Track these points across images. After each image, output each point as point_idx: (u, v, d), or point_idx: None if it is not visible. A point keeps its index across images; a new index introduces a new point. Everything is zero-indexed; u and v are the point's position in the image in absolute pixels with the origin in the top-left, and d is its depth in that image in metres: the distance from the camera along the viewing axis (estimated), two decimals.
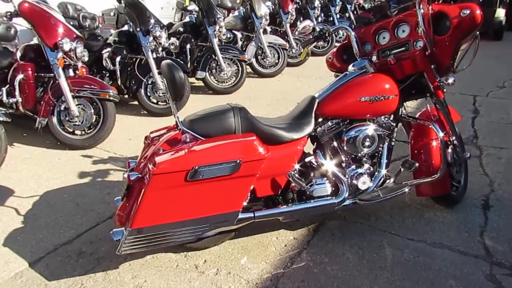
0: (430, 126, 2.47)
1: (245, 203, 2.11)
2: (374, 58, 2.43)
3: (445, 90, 2.41)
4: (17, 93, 3.75)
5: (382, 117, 2.39)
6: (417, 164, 2.39)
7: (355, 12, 9.01)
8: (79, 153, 3.79)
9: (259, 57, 6.59)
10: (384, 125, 2.40)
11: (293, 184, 2.25)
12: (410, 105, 3.93)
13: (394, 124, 2.44)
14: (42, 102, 3.79)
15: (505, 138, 3.85)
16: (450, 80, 2.35)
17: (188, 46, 5.57)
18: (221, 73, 5.67)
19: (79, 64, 3.91)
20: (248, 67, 6.32)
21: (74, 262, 2.29)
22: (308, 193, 2.26)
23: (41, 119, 3.78)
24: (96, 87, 3.80)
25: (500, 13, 9.54)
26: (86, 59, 3.92)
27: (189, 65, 5.56)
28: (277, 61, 6.65)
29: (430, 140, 2.48)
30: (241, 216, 2.11)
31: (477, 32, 2.24)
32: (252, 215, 2.15)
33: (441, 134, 2.42)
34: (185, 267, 2.22)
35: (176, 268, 2.22)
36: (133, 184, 2.03)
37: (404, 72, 2.36)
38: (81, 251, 2.37)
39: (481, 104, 4.91)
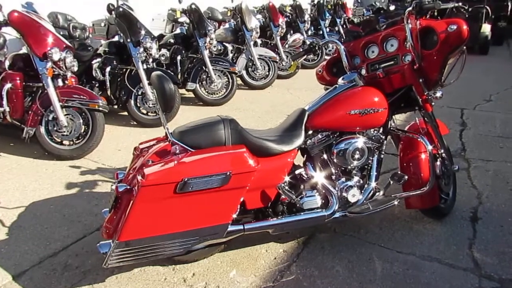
0: (418, 139, 2.49)
1: (234, 216, 2.09)
2: (363, 71, 2.46)
3: (433, 103, 2.44)
4: (4, 102, 3.72)
5: (372, 130, 2.41)
6: (406, 177, 2.40)
7: (344, 26, 9.13)
8: (67, 164, 3.74)
9: (249, 69, 6.63)
10: (373, 138, 2.41)
11: (283, 197, 2.24)
12: (399, 118, 3.96)
13: (384, 137, 2.46)
14: (30, 112, 3.76)
15: (492, 151, 3.90)
16: (438, 94, 2.39)
17: (178, 57, 5.59)
18: (212, 84, 5.68)
19: (69, 74, 3.89)
20: (238, 79, 6.35)
21: (59, 275, 2.24)
22: (298, 205, 2.25)
23: (28, 128, 3.73)
24: (85, 97, 3.77)
25: (486, 28, 9.73)
26: (76, 69, 3.90)
27: (179, 76, 5.57)
28: (267, 73, 6.69)
29: (419, 153, 2.50)
30: (230, 228, 2.09)
31: (464, 47, 2.28)
32: (241, 227, 2.13)
33: (429, 147, 2.44)
34: (173, 280, 2.19)
35: (164, 281, 2.18)
36: (121, 195, 2.00)
37: (393, 85, 2.39)
38: (67, 264, 2.33)
39: (468, 117, 4.98)
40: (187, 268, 2.28)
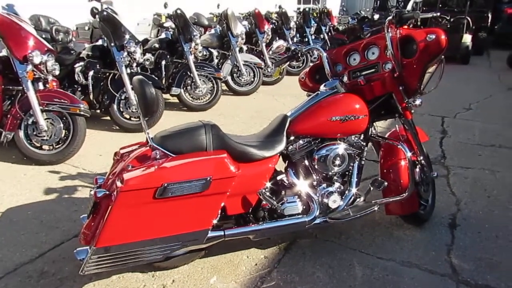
0: (398, 146, 2.53)
1: (215, 221, 2.08)
2: (345, 78, 2.48)
3: (413, 111, 2.48)
4: None
5: (353, 136, 2.43)
6: (386, 183, 2.43)
7: (329, 34, 9.25)
8: (46, 169, 3.68)
9: (234, 75, 6.64)
10: (354, 144, 2.43)
11: (264, 202, 2.23)
12: (381, 125, 4.02)
13: (364, 144, 2.49)
14: (8, 116, 3.68)
15: (472, 158, 3.97)
16: (418, 102, 2.42)
17: (163, 62, 5.56)
18: (196, 90, 5.67)
19: (50, 78, 3.83)
20: (223, 84, 6.35)
21: (35, 282, 2.19)
22: (279, 211, 2.25)
23: (6, 133, 3.66)
24: (66, 101, 3.72)
25: (467, 38, 9.96)
26: (57, 72, 3.84)
27: (164, 81, 5.54)
28: (252, 79, 6.71)
29: (399, 160, 2.53)
30: (211, 234, 2.07)
31: (443, 56, 2.33)
32: (222, 233, 2.12)
33: (409, 154, 2.47)
34: (152, 287, 2.16)
35: None
36: (100, 201, 1.97)
37: (374, 93, 2.42)
38: (43, 271, 2.28)
39: (449, 125, 5.07)
40: (167, 274, 2.25)
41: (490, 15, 11.37)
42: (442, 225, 2.76)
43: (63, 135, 3.82)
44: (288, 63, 2.67)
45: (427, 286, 2.18)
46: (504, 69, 9.27)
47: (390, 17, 2.27)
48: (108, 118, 4.88)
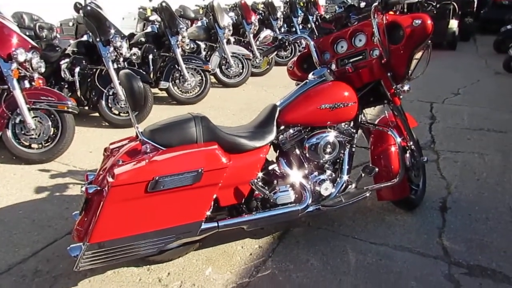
0: (388, 132, 2.54)
1: (208, 213, 2.09)
2: (333, 66, 2.49)
3: (401, 97, 2.49)
4: None
5: (343, 124, 2.44)
6: (377, 169, 2.45)
7: (316, 23, 9.22)
8: (36, 168, 3.64)
9: (223, 67, 6.61)
10: (344, 131, 2.44)
11: (256, 192, 2.24)
12: (371, 112, 4.04)
13: (354, 131, 2.50)
14: None
15: (461, 143, 4.01)
16: (406, 87, 2.44)
17: (150, 56, 5.51)
18: (185, 83, 5.63)
19: (36, 75, 3.78)
20: (212, 77, 6.32)
21: (29, 281, 2.18)
22: (271, 201, 2.26)
23: None
24: (53, 99, 3.67)
25: (453, 24, 10.00)
26: (43, 70, 3.79)
27: (152, 75, 5.49)
28: (241, 71, 6.68)
29: (389, 146, 2.54)
30: (204, 226, 2.08)
31: (429, 41, 2.34)
32: (215, 224, 2.13)
33: (398, 140, 2.49)
34: (148, 281, 2.16)
35: (139, 282, 2.15)
36: (92, 197, 1.96)
37: (362, 80, 2.43)
38: (37, 270, 2.26)
39: (437, 111, 5.11)
40: (162, 267, 2.26)
41: (475, 1, 11.43)
42: (433, 208, 2.79)
43: (51, 133, 3.78)
44: (275, 52, 2.67)
45: (419, 268, 2.21)
46: (490, 54, 9.35)
47: (375, 3, 2.28)
48: (97, 114, 4.84)
